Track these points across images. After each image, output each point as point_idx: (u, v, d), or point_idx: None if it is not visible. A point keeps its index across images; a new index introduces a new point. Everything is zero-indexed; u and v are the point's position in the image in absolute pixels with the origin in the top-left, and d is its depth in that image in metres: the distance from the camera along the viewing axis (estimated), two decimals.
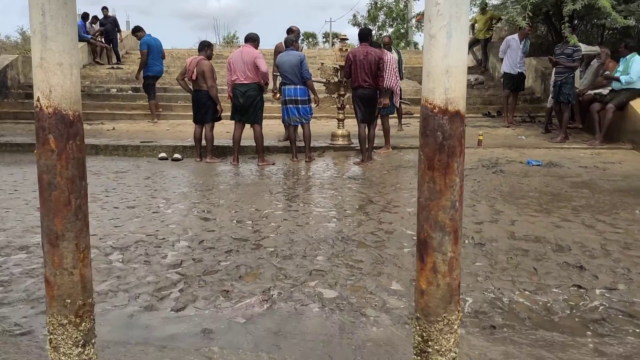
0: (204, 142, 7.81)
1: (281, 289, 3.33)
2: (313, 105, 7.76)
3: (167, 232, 4.46)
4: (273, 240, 4.27)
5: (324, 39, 49.28)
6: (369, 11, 31.89)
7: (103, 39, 16.12)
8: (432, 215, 1.58)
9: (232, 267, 3.68)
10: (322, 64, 8.71)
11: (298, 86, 7.48)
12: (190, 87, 7.88)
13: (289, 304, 3.13)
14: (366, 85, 7.26)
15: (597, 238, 4.33)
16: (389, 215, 5.00)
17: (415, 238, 4.48)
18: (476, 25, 14.81)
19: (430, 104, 1.54)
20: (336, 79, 8.45)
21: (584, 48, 9.17)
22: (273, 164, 7.58)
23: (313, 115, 7.82)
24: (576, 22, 8.50)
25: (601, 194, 5.76)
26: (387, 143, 8.22)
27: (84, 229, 1.62)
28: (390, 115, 8.46)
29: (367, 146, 7.48)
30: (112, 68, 15.23)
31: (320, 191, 6.00)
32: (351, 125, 9.30)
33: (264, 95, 7.77)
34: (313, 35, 45.04)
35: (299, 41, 8.47)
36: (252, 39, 7.44)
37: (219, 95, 7.81)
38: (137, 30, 11.26)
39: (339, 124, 8.59)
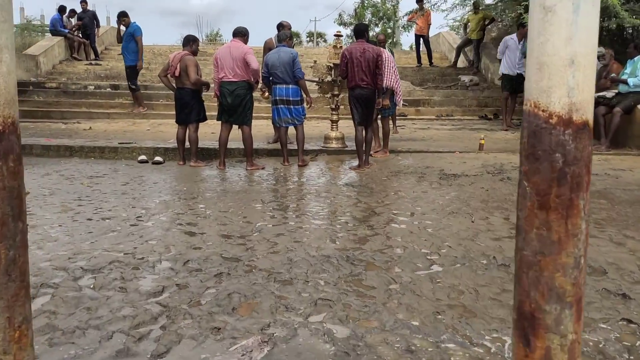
0: (187, 144, 7.24)
1: (283, 325, 2.80)
2: (306, 106, 7.24)
3: (147, 249, 3.90)
4: (269, 260, 3.73)
5: (308, 39, 48.77)
6: (355, 10, 31.51)
7: (80, 34, 15.42)
8: (545, 277, 1.07)
9: (223, 296, 3.13)
10: (315, 61, 8.19)
11: (290, 86, 6.95)
12: (174, 84, 7.30)
13: (293, 346, 2.60)
14: (364, 85, 6.76)
15: (632, 258, 3.87)
16: (396, 228, 4.49)
17: (430, 258, 3.98)
18: (469, 25, 14.41)
19: (543, 111, 1.04)
20: (330, 78, 7.94)
21: None
22: (263, 168, 7.04)
23: (306, 116, 7.29)
24: None
25: (621, 205, 5.32)
26: (386, 146, 7.73)
27: (20, 294, 1.08)
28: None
29: (364, 150, 6.97)
30: (90, 64, 14.55)
31: (316, 200, 5.47)
32: (344, 126, 8.80)
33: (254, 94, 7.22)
34: (297, 35, 44.56)
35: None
36: (241, 34, 6.88)
37: (205, 95, 7.26)
38: (124, 16, 10.60)
39: (332, 125, 8.07)
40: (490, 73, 13.92)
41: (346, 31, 33.56)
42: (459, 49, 15.14)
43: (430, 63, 15.43)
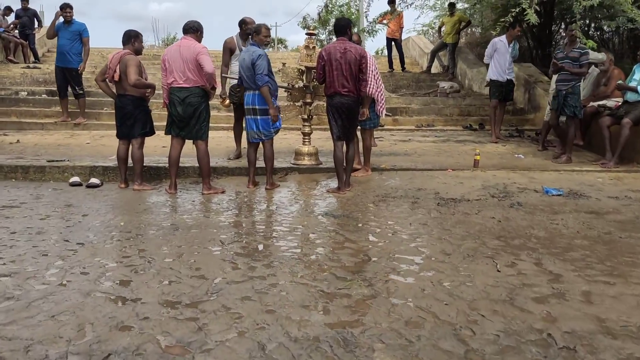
0: (130, 163, 5.96)
1: None
2: (279, 115, 6.02)
3: (50, 333, 2.65)
4: (229, 350, 2.53)
5: (270, 46, 47.57)
6: (319, 14, 30.41)
7: (18, 34, 13.82)
8: None
9: None
10: (283, 64, 7.02)
11: (256, 92, 5.75)
12: (114, 90, 6.01)
13: None
14: (344, 92, 5.62)
15: None
16: (402, 285, 3.35)
17: (461, 337, 2.51)
18: (443, 28, 13.49)
19: None
20: (301, 84, 6.78)
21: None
22: (222, 192, 5.81)
23: (278, 128, 6.04)
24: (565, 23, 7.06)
25: None
26: (367, 163, 6.60)
27: None
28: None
29: (345, 170, 5.83)
30: (28, 67, 12.97)
31: (291, 239, 4.28)
32: (317, 138, 7.66)
33: (211, 102, 5.99)
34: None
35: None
36: (193, 29, 5.63)
37: (154, 102, 5.98)
38: (70, 7, 9.08)
39: (304, 139, 6.90)
40: (467, 79, 13.02)
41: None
42: (433, 53, 14.21)
43: (403, 68, 14.45)
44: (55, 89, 9.79)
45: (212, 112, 9.52)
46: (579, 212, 5.14)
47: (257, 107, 5.78)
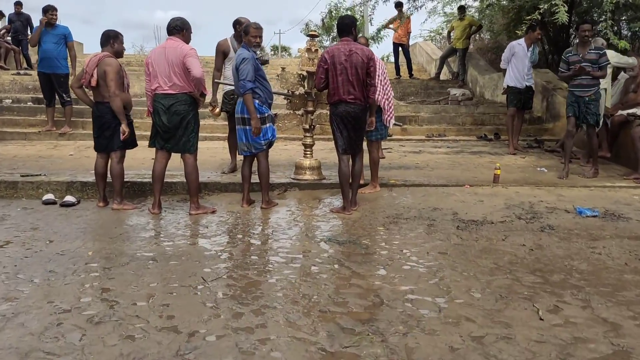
0: (110, 179, 5.31)
1: None
2: (273, 125, 5.36)
3: None
4: None
5: (273, 52, 47.24)
6: (323, 20, 29.84)
7: (10, 39, 13.25)
8: None
9: None
10: (282, 69, 6.36)
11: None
12: (91, 97, 5.37)
13: None
14: (350, 100, 4.96)
15: None
16: (424, 341, 2.67)
17: None
18: (453, 33, 12.85)
19: None
20: (302, 90, 6.13)
21: (615, 58, 7.18)
22: (213, 212, 5.15)
23: (272, 140, 5.37)
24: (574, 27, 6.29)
25: None
26: (375, 179, 5.92)
27: None
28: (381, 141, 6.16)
29: (351, 187, 5.16)
30: (18, 74, 12.37)
31: (287, 274, 3.60)
32: (319, 150, 7.02)
33: (200, 111, 5.33)
34: (262, 48, 42.90)
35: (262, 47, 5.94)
36: (178, 29, 4.96)
37: (136, 110, 5.33)
38: (54, 9, 8.47)
39: (305, 151, 6.24)
40: (479, 86, 12.36)
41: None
42: (443, 59, 13.55)
43: (411, 75, 13.80)
44: (42, 96, 9.17)
45: (209, 121, 8.99)
46: (621, 237, 4.45)
47: (245, 116, 5.13)
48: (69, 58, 8.69)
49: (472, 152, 8.23)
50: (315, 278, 3.53)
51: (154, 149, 5.17)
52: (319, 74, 5.12)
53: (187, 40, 4.99)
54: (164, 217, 5.02)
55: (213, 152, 7.80)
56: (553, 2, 6.03)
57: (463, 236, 4.44)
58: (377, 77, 5.27)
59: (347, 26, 5.09)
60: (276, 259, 3.90)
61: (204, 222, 4.85)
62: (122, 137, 5.05)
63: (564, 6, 6.05)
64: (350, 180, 5.17)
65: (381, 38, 27.44)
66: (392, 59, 14.33)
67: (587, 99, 6.47)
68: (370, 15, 14.31)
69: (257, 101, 5.05)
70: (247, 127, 5.13)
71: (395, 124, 6.65)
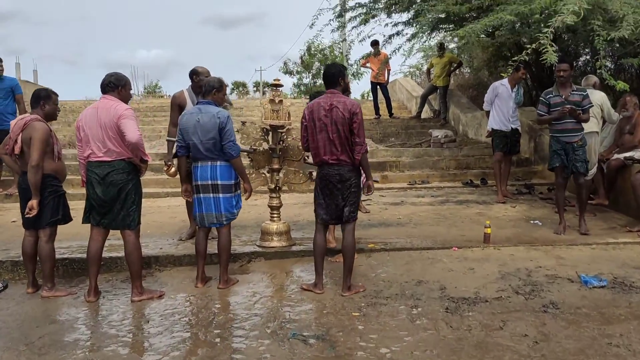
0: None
1: None
2: (243, 195, 4.71)
3: None
4: None
5: (255, 88, 47.03)
6: (301, 57, 29.53)
7: None
8: None
9: None
10: (243, 123, 5.70)
11: (218, 163, 4.44)
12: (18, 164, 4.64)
13: None
14: (333, 161, 4.25)
15: None
16: None
17: None
18: (432, 70, 12.36)
19: None
20: (266, 146, 5.47)
21: (605, 107, 6.60)
22: (160, 296, 4.39)
23: (239, 209, 4.70)
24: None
25: None
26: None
27: None
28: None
29: (343, 266, 4.43)
30: None
31: None
32: (291, 204, 6.33)
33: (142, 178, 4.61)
34: (244, 85, 42.71)
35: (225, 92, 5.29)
36: (112, 85, 4.27)
37: (70, 179, 4.60)
38: (0, 61, 7.77)
39: (272, 214, 5.54)
40: (461, 125, 11.84)
41: (292, 79, 31.52)
42: (423, 98, 13.05)
43: (391, 114, 13.27)
44: None
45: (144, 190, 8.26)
46: (638, 318, 3.77)
47: (219, 182, 4.44)
48: (17, 112, 7.99)
49: (458, 201, 7.59)
50: None
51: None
52: (302, 132, 4.47)
53: (124, 99, 4.31)
54: (101, 307, 4.25)
55: (174, 211, 7.08)
56: (541, 42, 5.47)
57: (453, 324, 3.72)
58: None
59: (334, 76, 4.38)
60: None
61: (146, 312, 4.09)
62: (26, 213, 4.30)
63: (552, 45, 5.47)
64: (343, 259, 4.43)
65: (361, 74, 27.14)
66: (371, 97, 13.80)
67: (575, 145, 5.81)
68: (346, 54, 13.85)
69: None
70: (220, 196, 4.43)
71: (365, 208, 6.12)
